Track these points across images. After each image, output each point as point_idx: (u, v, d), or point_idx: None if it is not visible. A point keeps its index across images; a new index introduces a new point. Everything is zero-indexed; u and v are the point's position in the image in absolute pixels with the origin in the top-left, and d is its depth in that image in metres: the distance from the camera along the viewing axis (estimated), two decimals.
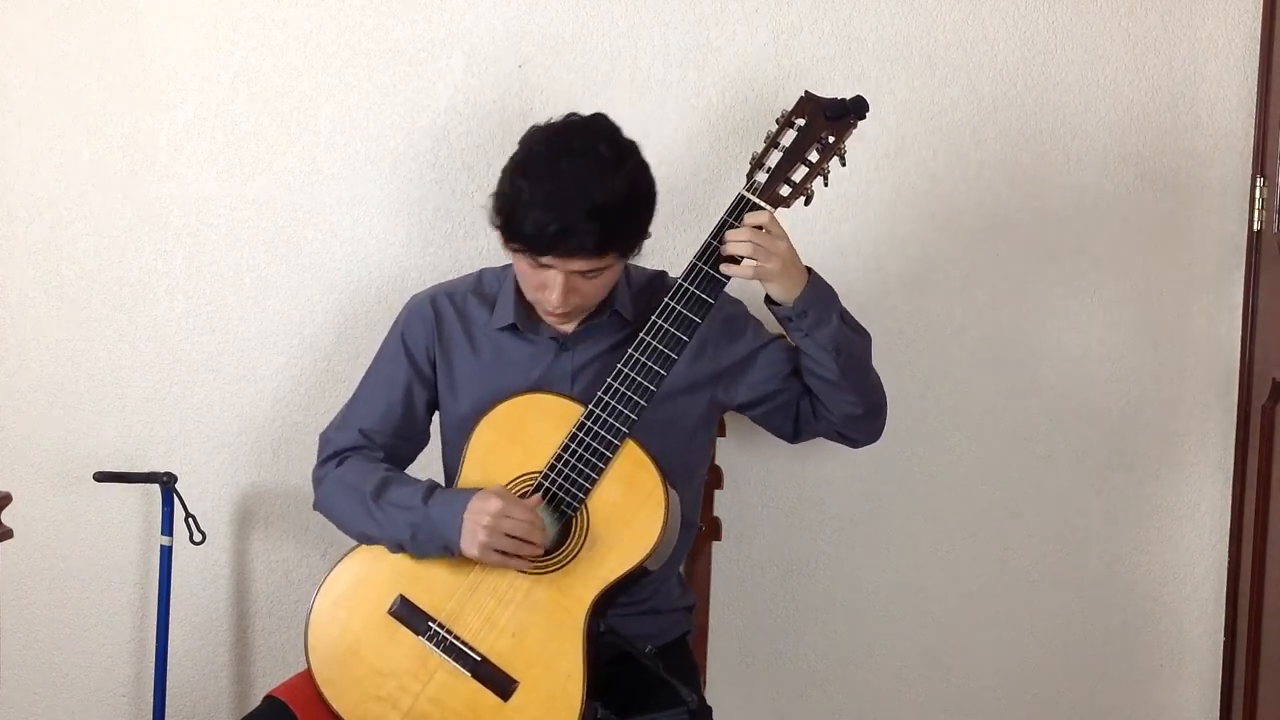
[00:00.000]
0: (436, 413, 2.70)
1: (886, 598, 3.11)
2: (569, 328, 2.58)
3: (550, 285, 2.47)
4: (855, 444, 2.68)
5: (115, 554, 3.08)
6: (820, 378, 2.55)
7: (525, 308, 2.61)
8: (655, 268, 2.70)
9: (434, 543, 2.47)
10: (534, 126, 2.52)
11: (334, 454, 2.65)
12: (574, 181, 2.42)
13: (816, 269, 2.51)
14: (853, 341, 2.54)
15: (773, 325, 2.61)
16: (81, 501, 3.06)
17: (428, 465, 2.70)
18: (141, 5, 2.99)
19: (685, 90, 2.97)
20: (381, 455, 2.63)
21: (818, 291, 2.49)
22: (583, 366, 2.59)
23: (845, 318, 2.53)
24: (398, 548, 2.51)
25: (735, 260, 2.45)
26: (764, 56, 2.98)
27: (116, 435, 3.05)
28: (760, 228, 2.44)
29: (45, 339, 3.05)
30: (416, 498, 2.49)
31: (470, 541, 2.43)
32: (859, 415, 2.60)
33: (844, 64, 2.98)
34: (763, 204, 2.47)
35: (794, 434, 2.67)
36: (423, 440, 2.71)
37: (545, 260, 2.45)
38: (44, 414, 3.05)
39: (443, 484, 2.59)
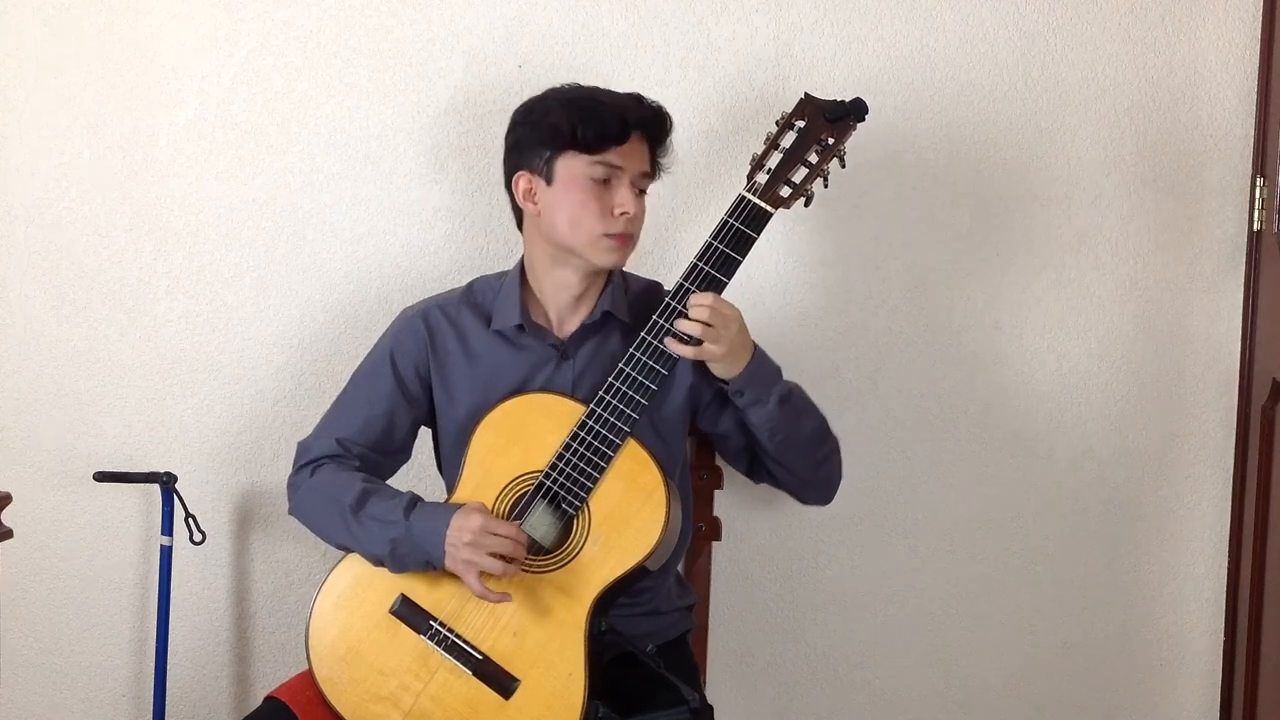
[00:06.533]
0: (421, 432, 2.68)
1: (886, 598, 3.11)
2: (623, 258, 2.56)
3: (618, 191, 2.50)
4: (805, 503, 2.71)
5: (115, 554, 3.08)
6: (761, 445, 2.58)
7: (528, 309, 2.60)
8: (651, 276, 2.71)
9: (414, 557, 2.46)
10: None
11: (309, 461, 2.62)
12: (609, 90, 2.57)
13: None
14: (796, 422, 2.55)
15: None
16: (81, 501, 3.05)
17: (411, 483, 2.70)
18: (141, 5, 2.99)
19: (685, 90, 2.97)
20: (357, 465, 2.61)
21: (755, 374, 2.50)
22: (583, 374, 2.58)
23: (788, 399, 2.53)
24: (376, 561, 2.49)
25: (684, 340, 2.44)
26: (764, 56, 2.98)
27: (116, 435, 3.05)
28: (712, 311, 2.43)
29: (45, 339, 3.04)
30: (398, 511, 2.48)
31: (453, 558, 2.42)
32: (793, 486, 2.65)
33: (844, 64, 2.98)
34: (764, 205, 2.47)
35: (749, 474, 2.70)
36: (401, 457, 2.69)
37: (617, 157, 2.49)
38: (44, 414, 3.05)
39: (440, 492, 2.58)
